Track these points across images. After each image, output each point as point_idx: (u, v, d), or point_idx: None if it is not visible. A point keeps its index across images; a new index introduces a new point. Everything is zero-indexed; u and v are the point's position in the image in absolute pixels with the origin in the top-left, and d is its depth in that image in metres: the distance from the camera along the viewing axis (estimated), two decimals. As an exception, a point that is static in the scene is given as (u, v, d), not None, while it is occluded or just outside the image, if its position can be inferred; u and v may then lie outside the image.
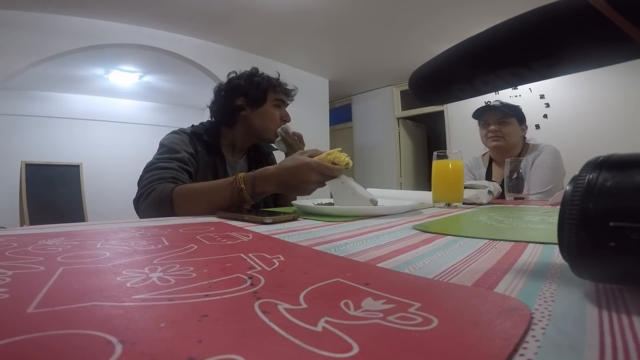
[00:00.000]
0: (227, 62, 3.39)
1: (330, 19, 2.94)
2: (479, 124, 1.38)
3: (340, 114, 5.24)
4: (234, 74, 0.99)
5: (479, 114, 1.36)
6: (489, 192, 0.87)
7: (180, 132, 0.90)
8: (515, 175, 1.03)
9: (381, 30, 3.16)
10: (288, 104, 1.02)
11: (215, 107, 0.97)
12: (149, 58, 3.46)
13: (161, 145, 0.83)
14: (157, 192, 0.67)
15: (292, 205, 0.71)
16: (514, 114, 1.30)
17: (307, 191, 0.66)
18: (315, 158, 0.66)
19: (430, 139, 5.31)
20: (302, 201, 0.69)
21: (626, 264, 0.14)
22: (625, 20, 0.14)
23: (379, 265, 0.25)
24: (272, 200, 1.02)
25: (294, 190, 0.67)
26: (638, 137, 2.93)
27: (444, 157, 0.80)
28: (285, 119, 0.98)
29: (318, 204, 0.69)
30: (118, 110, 4.95)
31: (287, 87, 1.01)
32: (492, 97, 3.28)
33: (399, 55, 3.71)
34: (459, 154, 0.80)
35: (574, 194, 0.15)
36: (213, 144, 0.91)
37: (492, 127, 1.29)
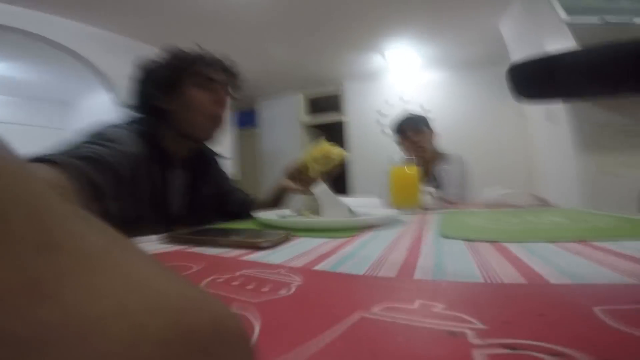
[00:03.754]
0: (112, 50, 2.85)
1: (236, 16, 2.78)
2: (399, 136, 1.44)
3: (246, 118, 5.04)
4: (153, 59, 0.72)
5: (398, 129, 1.43)
6: (431, 195, 0.92)
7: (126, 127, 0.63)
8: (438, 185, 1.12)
9: (287, 34, 3.14)
10: (228, 85, 0.74)
11: (132, 103, 0.72)
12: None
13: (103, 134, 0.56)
14: None
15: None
16: (424, 123, 1.41)
17: None
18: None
19: (331, 147, 5.58)
20: (262, 214, 0.58)
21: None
22: None
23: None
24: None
25: None
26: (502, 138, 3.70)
27: (402, 163, 0.80)
28: (220, 104, 0.71)
29: (281, 217, 0.59)
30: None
31: (217, 60, 0.73)
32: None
33: (307, 61, 3.78)
34: (412, 159, 0.81)
35: None
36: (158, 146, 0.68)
37: (413, 139, 1.37)
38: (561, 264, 0.24)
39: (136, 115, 0.71)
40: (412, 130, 1.38)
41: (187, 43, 0.78)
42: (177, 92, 0.68)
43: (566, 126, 1.86)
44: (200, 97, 0.69)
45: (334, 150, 0.72)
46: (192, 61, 0.70)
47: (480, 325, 0.14)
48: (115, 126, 0.63)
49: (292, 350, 0.12)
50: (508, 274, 0.22)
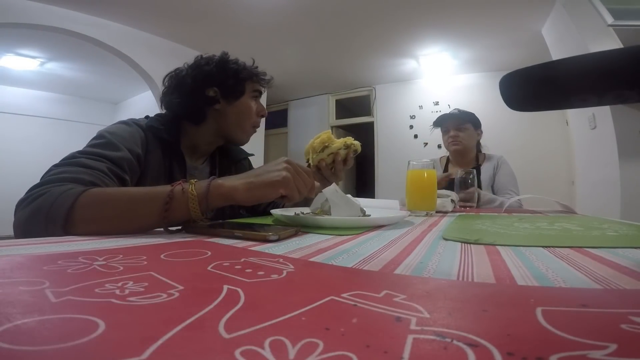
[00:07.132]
0: (158, 53, 3.05)
1: (273, 20, 2.87)
2: (442, 130, 1.48)
3: (276, 119, 5.15)
4: (200, 58, 0.80)
5: (439, 122, 1.47)
6: (452, 200, 0.91)
7: (132, 123, 0.69)
8: (466, 187, 1.09)
9: (324, 37, 3.19)
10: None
11: (176, 99, 0.76)
12: (57, 42, 2.92)
13: (99, 135, 0.62)
14: (50, 197, 0.44)
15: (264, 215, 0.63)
16: (470, 119, 1.42)
17: (274, 188, 0.50)
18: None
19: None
20: (278, 211, 0.62)
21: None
22: None
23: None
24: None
25: (260, 192, 0.50)
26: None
27: (419, 167, 0.81)
28: (262, 113, 0.84)
29: (297, 214, 0.63)
30: (6, 100, 4.08)
31: (264, 77, 0.85)
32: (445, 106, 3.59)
33: (339, 64, 3.80)
34: (431, 163, 0.81)
35: None
36: (173, 144, 0.73)
37: (451, 133, 1.40)
38: (541, 267, 0.25)
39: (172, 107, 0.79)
40: (453, 125, 1.39)
41: (223, 46, 0.85)
42: (238, 99, 0.79)
43: (610, 133, 1.75)
44: (252, 106, 0.81)
45: (334, 140, 0.72)
46: (253, 74, 0.81)
47: (426, 315, 0.16)
48: (126, 124, 0.69)
49: (268, 320, 0.15)
50: (482, 274, 0.24)
